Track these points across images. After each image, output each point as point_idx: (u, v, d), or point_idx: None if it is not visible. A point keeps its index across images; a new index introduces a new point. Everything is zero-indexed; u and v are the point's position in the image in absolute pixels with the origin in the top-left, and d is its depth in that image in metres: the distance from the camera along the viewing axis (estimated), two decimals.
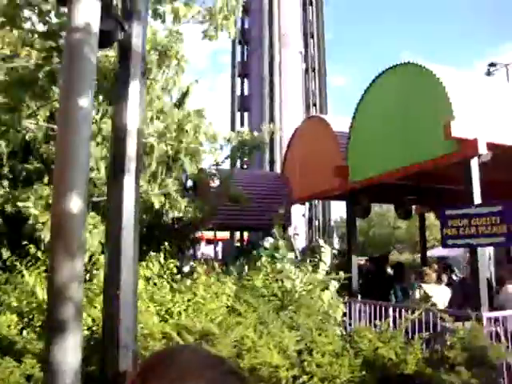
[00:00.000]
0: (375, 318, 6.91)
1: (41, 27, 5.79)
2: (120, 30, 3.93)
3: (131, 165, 4.14)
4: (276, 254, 7.96)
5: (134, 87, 4.23)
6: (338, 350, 4.52)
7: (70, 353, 2.37)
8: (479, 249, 6.22)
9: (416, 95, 7.34)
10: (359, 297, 8.33)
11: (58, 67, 5.44)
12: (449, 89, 6.56)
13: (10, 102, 5.92)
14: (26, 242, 6.73)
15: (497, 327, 5.93)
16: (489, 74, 25.35)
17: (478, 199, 6.25)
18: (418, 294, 7.94)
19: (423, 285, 7.72)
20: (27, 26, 5.68)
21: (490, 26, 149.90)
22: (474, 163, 6.34)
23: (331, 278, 6.63)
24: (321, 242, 8.87)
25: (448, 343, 5.21)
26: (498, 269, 9.69)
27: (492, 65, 25.92)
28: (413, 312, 6.09)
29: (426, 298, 7.50)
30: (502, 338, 5.60)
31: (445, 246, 6.60)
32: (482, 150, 6.25)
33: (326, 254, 7.25)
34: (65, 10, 5.15)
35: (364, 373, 4.17)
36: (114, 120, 4.26)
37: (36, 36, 5.76)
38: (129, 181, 4.10)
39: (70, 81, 2.56)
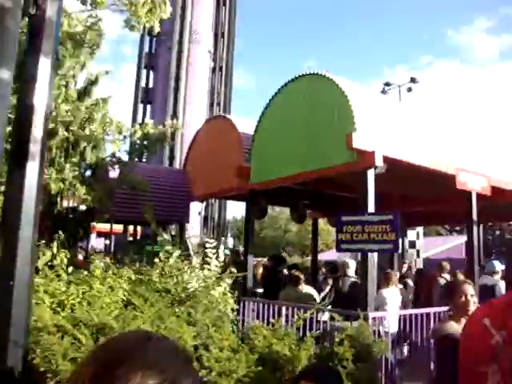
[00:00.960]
0: (268, 317, 7.12)
1: None
2: (33, 3, 3.74)
3: (36, 149, 3.94)
4: (168, 249, 7.92)
5: (45, 67, 4.01)
6: (234, 346, 4.61)
7: None
8: (369, 254, 6.64)
9: (321, 105, 7.68)
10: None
11: None
12: (352, 102, 6.95)
13: None
14: None
15: (379, 326, 6.39)
16: (384, 92, 27.05)
17: (371, 208, 6.68)
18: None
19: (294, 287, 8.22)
20: None
21: (386, 47, 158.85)
22: (371, 174, 6.77)
23: (227, 275, 6.72)
24: (230, 239, 8.96)
25: (336, 340, 5.55)
26: (379, 274, 10.39)
27: (387, 84, 27.76)
28: (305, 311, 6.37)
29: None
30: (383, 336, 6.05)
31: (339, 250, 6.96)
32: (379, 162, 6.70)
33: (219, 252, 7.34)
34: None
35: (260, 368, 4.29)
36: (20, 100, 4.03)
37: None
38: (32, 167, 3.89)
39: None
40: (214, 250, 7.38)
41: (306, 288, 8.25)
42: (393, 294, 7.62)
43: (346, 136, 6.79)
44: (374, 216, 6.48)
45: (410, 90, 27.29)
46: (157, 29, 6.02)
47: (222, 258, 7.30)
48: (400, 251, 12.11)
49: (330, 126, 7.43)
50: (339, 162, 7.20)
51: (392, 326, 6.76)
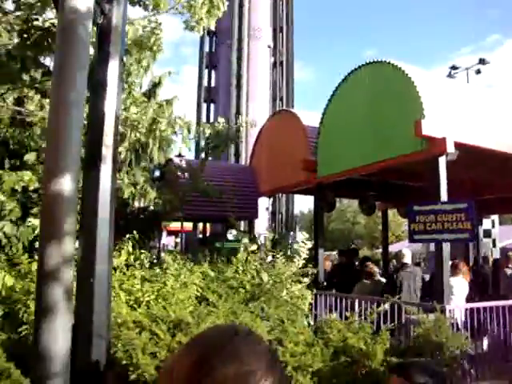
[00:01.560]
0: (341, 311, 7.05)
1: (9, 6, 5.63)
2: (100, 13, 3.86)
3: (108, 152, 4.08)
4: (238, 246, 8.01)
5: (113, 73, 4.15)
6: (309, 340, 4.59)
7: (59, 338, 2.34)
8: (443, 244, 6.42)
9: (387, 93, 7.49)
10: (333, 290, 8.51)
11: (30, 55, 5.31)
12: (420, 88, 6.73)
13: None
14: None
15: (456, 319, 6.17)
16: (450, 76, 26.03)
17: (444, 196, 6.44)
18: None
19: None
20: None
21: (449, 31, 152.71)
22: (442, 161, 6.53)
23: (303, 271, 6.72)
24: (298, 235, 8.98)
25: (412, 334, 5.41)
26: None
27: (454, 68, 26.66)
28: (378, 305, 6.25)
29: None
30: (462, 329, 5.84)
31: (412, 240, 6.77)
32: (450, 148, 6.45)
33: (302, 248, 7.33)
34: None
35: (335, 362, 4.26)
36: (91, 104, 4.19)
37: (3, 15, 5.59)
38: (106, 169, 4.03)
39: (63, 62, 2.51)
40: (302, 248, 7.41)
41: (382, 280, 8.15)
42: (460, 284, 7.30)
43: (414, 123, 6.58)
44: (448, 205, 6.24)
45: (478, 72, 26.08)
46: (213, 28, 6.09)
47: (304, 255, 7.29)
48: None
49: (397, 114, 7.23)
50: (408, 150, 6.99)
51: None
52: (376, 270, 8.61)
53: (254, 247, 7.35)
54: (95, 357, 3.90)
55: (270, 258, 7.11)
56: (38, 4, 5.16)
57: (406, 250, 7.90)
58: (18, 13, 5.30)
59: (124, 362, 3.83)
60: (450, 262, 7.80)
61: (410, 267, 7.53)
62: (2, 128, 7.22)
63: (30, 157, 6.93)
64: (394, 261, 12.53)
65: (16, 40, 5.55)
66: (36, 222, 6.04)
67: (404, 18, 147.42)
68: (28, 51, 5.67)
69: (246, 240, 8.48)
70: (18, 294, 5.19)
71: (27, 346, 4.09)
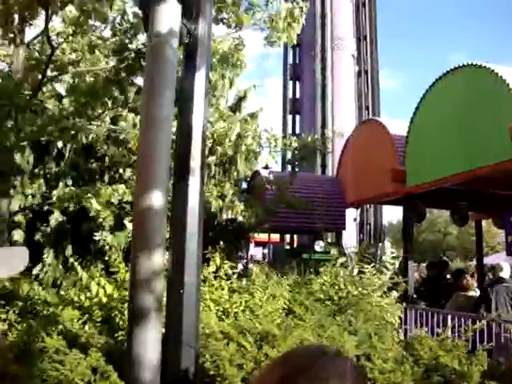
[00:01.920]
0: (433, 326, 6.76)
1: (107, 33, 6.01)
2: (186, 33, 4.01)
3: (196, 165, 4.20)
4: (326, 257, 7.94)
5: (199, 87, 4.29)
6: (398, 357, 4.44)
7: (150, 346, 2.43)
8: None
9: (478, 97, 7.15)
10: (421, 303, 8.21)
11: (125, 79, 5.62)
12: None
13: (80, 108, 6.16)
14: (87, 238, 6.99)
15: None
16: None
17: None
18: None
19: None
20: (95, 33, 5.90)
21: None
22: None
23: (392, 282, 6.53)
24: (387, 246, 8.79)
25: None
26: None
27: None
28: (474, 321, 5.94)
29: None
30: None
31: (510, 253, 6.39)
32: None
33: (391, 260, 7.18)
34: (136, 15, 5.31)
35: (426, 381, 4.09)
36: (179, 119, 4.34)
37: (103, 42, 5.98)
38: (194, 182, 4.16)
39: (152, 81, 2.64)
40: (391, 260, 7.26)
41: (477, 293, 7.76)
42: None
43: (509, 129, 6.21)
44: None
45: None
46: (295, 41, 6.15)
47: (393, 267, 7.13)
48: None
49: (491, 119, 6.87)
50: (503, 157, 6.61)
51: None
52: (473, 283, 8.19)
53: (343, 259, 7.26)
54: (184, 366, 4.00)
55: (356, 271, 6.98)
56: (132, 29, 5.46)
57: (505, 264, 7.45)
58: (114, 39, 5.64)
59: (212, 372, 3.90)
60: None
61: (508, 281, 7.09)
62: (99, 145, 7.67)
63: (127, 172, 7.31)
64: (490, 274, 11.86)
65: (112, 63, 5.90)
66: (130, 227, 6.34)
67: (491, 17, 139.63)
68: (123, 73, 6.02)
69: (334, 251, 8.39)
70: (115, 302, 5.46)
71: (122, 351, 4.29)
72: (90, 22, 5.80)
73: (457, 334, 5.50)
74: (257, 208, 8.18)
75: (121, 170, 7.45)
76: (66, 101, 6.94)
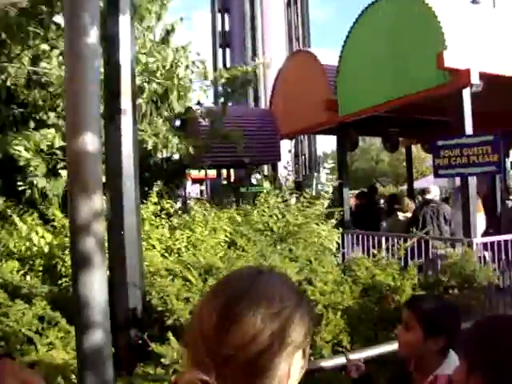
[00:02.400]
0: (368, 248, 7.13)
1: None
2: None
3: (127, 104, 4.10)
4: (262, 189, 8.07)
5: (124, 24, 4.13)
6: (338, 279, 4.67)
7: (97, 288, 2.45)
8: (469, 178, 6.36)
9: (407, 26, 7.24)
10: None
11: (45, 13, 5.25)
12: (441, 18, 6.48)
13: None
14: (21, 188, 6.73)
15: (485, 252, 6.19)
16: (474, 1, 24.92)
17: (469, 130, 6.33)
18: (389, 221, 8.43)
19: (400, 213, 8.20)
20: None
21: None
22: (466, 93, 6.37)
23: (329, 211, 6.77)
24: (322, 175, 8.99)
25: (439, 268, 5.45)
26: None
27: None
28: (405, 241, 6.30)
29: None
30: (490, 263, 5.85)
31: (437, 176, 6.72)
32: (475, 79, 6.26)
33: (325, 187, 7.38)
34: None
35: (364, 299, 4.35)
36: (106, 58, 4.17)
37: None
38: (126, 121, 4.08)
39: (74, 18, 2.49)
40: (327, 188, 7.45)
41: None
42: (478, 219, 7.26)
43: (436, 56, 6.38)
44: (473, 138, 6.14)
45: None
46: None
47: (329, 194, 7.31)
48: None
49: (418, 46, 7.00)
50: (431, 84, 6.81)
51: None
52: (412, 206, 8.61)
53: (276, 191, 7.38)
54: (132, 305, 4.08)
55: (293, 200, 7.16)
56: None
57: (433, 187, 7.86)
58: None
59: (159, 308, 3.98)
60: None
61: (436, 202, 7.51)
62: (19, 89, 7.22)
63: (51, 117, 6.98)
64: (420, 197, 12.49)
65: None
66: (65, 174, 6.14)
67: None
68: (41, 6, 5.62)
69: (266, 184, 8.51)
70: (55, 249, 5.38)
71: (67, 296, 4.28)
72: None
73: (391, 254, 5.83)
74: (191, 141, 8.07)
75: (45, 116, 7.09)
76: None
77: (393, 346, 2.53)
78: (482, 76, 6.35)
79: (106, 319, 2.53)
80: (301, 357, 0.95)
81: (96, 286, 2.44)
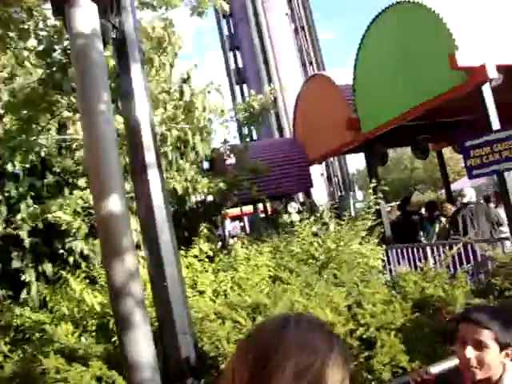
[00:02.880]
0: (414, 261, 6.98)
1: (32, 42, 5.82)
2: (112, 28, 3.94)
3: (151, 157, 4.18)
4: (295, 220, 8.03)
5: (137, 79, 4.24)
6: (387, 298, 4.58)
7: (142, 346, 2.47)
8: (506, 173, 6.20)
9: (415, 33, 7.23)
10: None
11: (60, 78, 5.47)
12: (447, 20, 6.45)
13: (20, 124, 6.00)
14: (62, 251, 6.93)
15: None
16: None
17: (496, 125, 6.20)
18: (437, 227, 8.23)
19: (442, 218, 8.03)
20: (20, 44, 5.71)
21: None
22: (486, 89, 6.26)
23: (368, 227, 6.68)
24: (358, 194, 8.94)
25: (490, 271, 5.27)
26: None
27: None
28: (450, 247, 6.15)
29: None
30: None
31: (471, 177, 6.58)
32: (492, 73, 6.16)
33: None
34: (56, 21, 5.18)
35: (416, 314, 4.24)
36: (124, 116, 4.30)
37: (30, 53, 5.78)
38: (153, 174, 4.15)
39: (84, 88, 2.60)
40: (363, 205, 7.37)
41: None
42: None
43: (448, 58, 6.32)
44: (502, 132, 6.01)
45: None
46: (225, 8, 6.07)
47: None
48: None
49: (429, 52, 6.97)
50: (448, 86, 6.74)
51: None
52: (452, 209, 8.45)
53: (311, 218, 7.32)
54: (185, 354, 4.08)
55: (332, 226, 7.10)
56: (56, 33, 5.31)
57: (467, 189, 7.69)
58: (40, 47, 5.47)
59: (212, 353, 3.97)
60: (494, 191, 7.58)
61: (472, 204, 7.36)
62: (52, 158, 7.50)
63: (81, 182, 7.21)
64: (461, 198, 12.21)
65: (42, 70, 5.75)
66: None
67: None
68: (57, 74, 5.85)
69: (295, 217, 8.45)
70: (105, 308, 5.47)
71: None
72: (11, 34, 5.63)
73: (438, 263, 5.70)
74: (221, 180, 8.16)
75: (76, 180, 7.34)
76: (6, 120, 6.76)
77: None
78: (500, 68, 6.25)
79: (155, 375, 2.55)
80: None
81: (141, 343, 2.46)
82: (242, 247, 6.66)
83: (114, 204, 2.50)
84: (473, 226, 6.95)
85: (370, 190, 7.38)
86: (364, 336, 3.98)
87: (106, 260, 2.52)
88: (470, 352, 1.96)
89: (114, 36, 3.75)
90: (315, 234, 6.76)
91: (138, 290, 2.57)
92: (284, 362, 0.88)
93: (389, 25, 7.75)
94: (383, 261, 7.02)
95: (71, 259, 6.98)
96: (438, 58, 6.73)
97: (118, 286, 2.48)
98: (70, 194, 7.10)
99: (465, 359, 1.98)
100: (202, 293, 5.56)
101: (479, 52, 6.35)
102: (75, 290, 5.93)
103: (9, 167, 6.88)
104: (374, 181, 7.73)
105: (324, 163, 19.05)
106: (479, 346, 1.94)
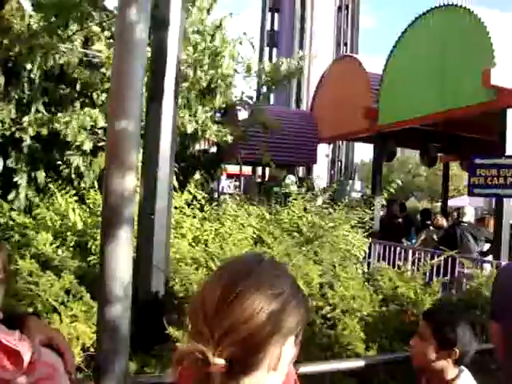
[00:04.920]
0: (394, 261, 7.08)
1: None
2: None
3: (170, 87, 4.19)
4: (293, 190, 8.06)
5: (175, 10, 4.22)
6: (360, 286, 4.67)
7: (122, 263, 2.54)
8: (505, 200, 6.25)
9: (456, 39, 7.15)
10: None
11: None
12: (493, 34, 6.38)
13: (49, 26, 5.94)
14: (59, 163, 6.96)
15: None
16: None
17: (510, 150, 6.21)
18: (423, 235, 8.32)
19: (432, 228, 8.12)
20: None
21: None
22: (510, 113, 6.25)
23: (359, 218, 6.74)
24: (357, 184, 8.97)
25: (465, 288, 5.37)
26: None
27: None
28: (432, 257, 6.24)
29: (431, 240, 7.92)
30: None
31: (471, 194, 6.62)
32: None
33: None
34: None
35: (384, 308, 4.34)
36: (155, 44, 4.29)
37: None
38: (167, 104, 4.16)
39: (125, 5, 2.59)
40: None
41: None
42: None
43: (483, 72, 6.29)
44: None
45: None
46: None
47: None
48: None
49: (467, 61, 6.91)
50: (475, 101, 6.72)
51: None
52: (443, 222, 8.51)
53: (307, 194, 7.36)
54: (154, 288, 4.18)
55: (320, 201, 7.16)
56: None
57: (468, 208, 7.74)
58: None
59: (181, 294, 4.06)
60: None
61: (468, 223, 7.42)
62: (70, 69, 7.44)
63: (101, 97, 7.19)
64: (455, 214, 12.28)
65: None
66: (103, 154, 6.30)
67: None
68: None
69: (294, 187, 8.45)
70: (88, 227, 5.55)
71: (94, 273, 4.41)
72: None
73: (416, 268, 5.78)
74: (230, 129, 8.13)
75: (94, 96, 7.30)
76: (32, 20, 6.68)
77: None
78: None
79: (127, 296, 2.63)
80: (293, 343, 1.02)
81: (121, 260, 2.54)
82: (232, 204, 6.73)
83: (128, 123, 2.53)
84: (462, 244, 7.03)
85: (369, 183, 7.43)
86: (328, 315, 4.07)
87: (108, 175, 2.56)
88: (414, 341, 2.21)
89: None
90: (305, 209, 6.82)
91: (131, 211, 2.63)
92: (255, 286, 0.95)
93: (432, 25, 7.65)
94: (365, 253, 7.11)
95: (66, 172, 7.02)
96: (472, 69, 6.67)
97: (113, 201, 2.53)
98: (81, 108, 7.08)
99: (411, 347, 2.24)
100: (183, 236, 5.64)
101: None
102: (59, 204, 6.01)
103: (27, 67, 6.83)
104: (376, 176, 7.77)
105: (332, 145, 18.98)
106: (421, 337, 2.16)
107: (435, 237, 8.12)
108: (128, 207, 2.55)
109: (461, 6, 7.04)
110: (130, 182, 2.53)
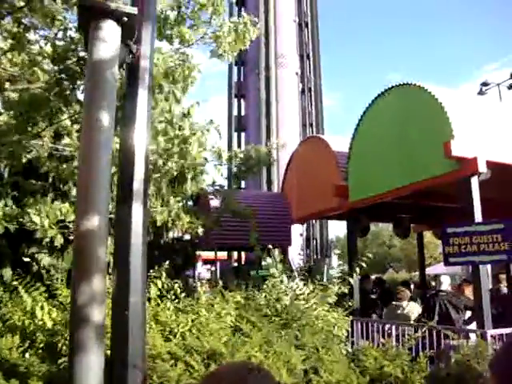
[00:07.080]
0: (378, 337, 6.92)
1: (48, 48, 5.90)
2: (128, 53, 4.00)
3: (140, 188, 4.16)
4: (273, 273, 7.96)
5: (142, 107, 4.25)
6: (345, 369, 4.52)
7: (92, 373, 2.39)
8: (481, 266, 6.27)
9: (415, 115, 7.46)
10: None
11: (69, 89, 5.52)
12: (448, 109, 6.68)
13: (20, 124, 5.98)
14: (27, 260, 6.76)
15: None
16: (481, 93, 25.57)
17: (478, 217, 6.32)
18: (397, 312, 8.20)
19: (396, 303, 7.99)
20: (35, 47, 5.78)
21: (475, 48, 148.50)
22: (474, 181, 6.43)
23: (339, 296, 6.65)
24: (334, 260, 8.90)
25: (453, 360, 5.25)
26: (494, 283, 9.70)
27: (484, 84, 26.14)
28: (416, 330, 6.13)
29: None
30: None
31: (447, 263, 6.64)
32: (482, 168, 6.35)
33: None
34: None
35: None
36: (122, 141, 4.30)
37: (43, 59, 5.85)
38: (137, 205, 4.11)
39: (92, 101, 2.61)
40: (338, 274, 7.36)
41: (410, 305, 7.99)
42: None
43: (443, 145, 6.52)
44: (483, 226, 6.12)
45: (511, 87, 25.25)
46: (236, 56, 6.22)
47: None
48: None
49: (426, 136, 7.18)
50: (439, 172, 6.91)
51: None
52: (407, 294, 8.39)
53: (284, 277, 7.28)
54: None
55: (302, 285, 7.04)
56: (73, 45, 5.40)
57: (444, 277, 7.73)
58: (54, 55, 5.54)
59: None
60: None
61: (446, 292, 7.38)
62: (41, 163, 7.41)
63: (72, 190, 7.14)
64: (433, 283, 12.24)
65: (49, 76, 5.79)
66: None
67: (426, 41, 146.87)
68: (65, 82, 5.88)
69: (273, 270, 8.40)
70: (59, 326, 5.30)
71: (65, 377, 4.16)
72: (29, 36, 5.72)
73: (401, 343, 5.65)
74: (203, 219, 8.10)
75: (66, 188, 7.26)
76: (2, 118, 6.74)
77: None
78: (490, 164, 6.44)
79: None
80: None
81: (91, 370, 2.38)
82: (206, 292, 6.58)
83: (96, 222, 2.47)
84: (442, 314, 6.95)
85: (345, 259, 7.41)
86: None
87: (75, 277, 2.46)
88: None
89: (129, 61, 3.80)
90: (284, 291, 6.71)
91: (100, 315, 2.51)
92: None
93: (391, 103, 7.98)
94: (347, 331, 6.95)
95: (35, 267, 6.83)
96: (433, 142, 6.92)
97: (81, 307, 2.42)
98: (52, 202, 7.00)
99: None
100: (158, 330, 5.43)
101: (473, 145, 6.57)
102: (26, 301, 5.76)
103: None
104: (352, 252, 7.75)
105: (305, 224, 19.09)
106: None
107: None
108: (97, 312, 2.43)
109: (415, 85, 7.39)
110: (98, 286, 2.43)
